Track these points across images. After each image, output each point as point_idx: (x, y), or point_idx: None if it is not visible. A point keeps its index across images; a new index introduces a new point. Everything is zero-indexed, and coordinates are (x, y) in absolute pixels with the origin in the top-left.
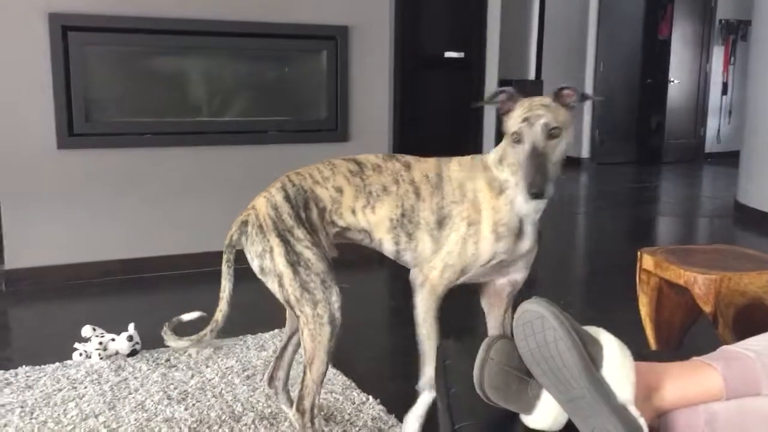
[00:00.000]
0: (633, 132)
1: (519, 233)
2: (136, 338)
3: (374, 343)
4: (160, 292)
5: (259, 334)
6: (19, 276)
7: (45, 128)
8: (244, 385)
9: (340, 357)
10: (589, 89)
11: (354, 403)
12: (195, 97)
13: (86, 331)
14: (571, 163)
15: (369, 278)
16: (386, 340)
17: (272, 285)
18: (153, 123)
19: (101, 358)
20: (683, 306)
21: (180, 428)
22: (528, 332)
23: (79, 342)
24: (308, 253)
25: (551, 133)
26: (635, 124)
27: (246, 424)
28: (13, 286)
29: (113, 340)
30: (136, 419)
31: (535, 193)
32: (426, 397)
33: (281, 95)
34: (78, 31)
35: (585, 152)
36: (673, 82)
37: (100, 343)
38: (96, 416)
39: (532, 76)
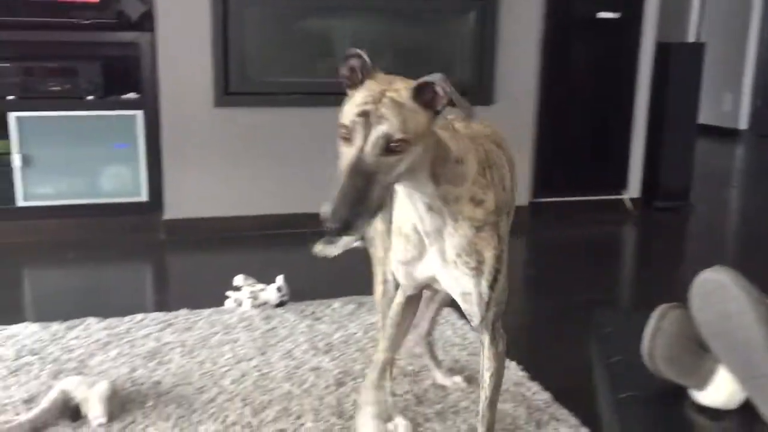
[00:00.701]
0: None
1: (421, 248)
2: (285, 290)
3: (516, 310)
4: (308, 247)
5: None
6: (177, 226)
7: (204, 86)
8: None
9: None
10: (751, 54)
11: None
12: (341, 57)
13: (238, 280)
14: (726, 134)
15: (509, 248)
16: (528, 307)
17: None
18: (301, 83)
19: (252, 307)
20: None
21: (326, 378)
22: (707, 303)
23: (231, 290)
24: None
25: (392, 148)
26: None
27: None
28: (172, 236)
29: (263, 290)
30: (285, 366)
31: (331, 229)
32: None
33: (426, 55)
34: None
35: (743, 123)
36: None
37: (251, 292)
38: (248, 360)
39: (691, 38)
